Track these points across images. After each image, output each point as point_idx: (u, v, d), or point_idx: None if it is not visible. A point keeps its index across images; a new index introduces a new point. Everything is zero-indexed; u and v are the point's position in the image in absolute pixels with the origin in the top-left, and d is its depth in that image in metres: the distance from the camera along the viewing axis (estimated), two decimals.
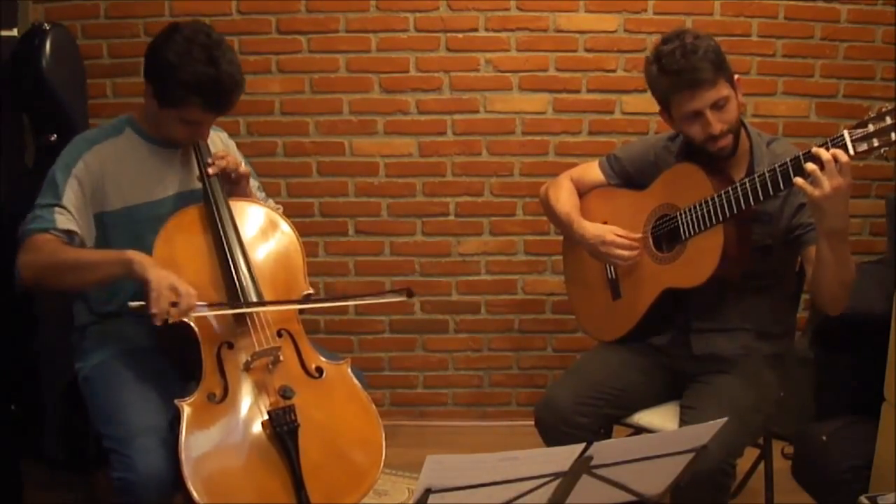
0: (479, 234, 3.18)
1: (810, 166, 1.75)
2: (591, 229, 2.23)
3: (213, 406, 1.84)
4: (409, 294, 2.07)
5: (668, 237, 2.14)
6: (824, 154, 1.74)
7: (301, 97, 3.08)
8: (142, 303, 1.80)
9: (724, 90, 1.96)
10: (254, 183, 2.26)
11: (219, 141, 2.24)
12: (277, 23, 3.03)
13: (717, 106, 1.96)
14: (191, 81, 1.91)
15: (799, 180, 1.78)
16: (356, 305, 3.21)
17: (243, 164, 2.19)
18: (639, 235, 2.19)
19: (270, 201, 2.32)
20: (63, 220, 1.94)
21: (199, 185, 2.10)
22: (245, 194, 2.18)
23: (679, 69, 1.94)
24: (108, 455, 1.83)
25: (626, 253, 2.17)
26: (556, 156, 3.11)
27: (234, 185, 2.14)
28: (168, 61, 1.92)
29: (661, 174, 2.19)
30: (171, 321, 1.81)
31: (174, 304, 1.79)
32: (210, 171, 2.06)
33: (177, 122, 2.00)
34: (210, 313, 1.92)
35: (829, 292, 1.92)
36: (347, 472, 1.88)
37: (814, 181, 1.75)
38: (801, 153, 1.81)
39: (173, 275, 1.84)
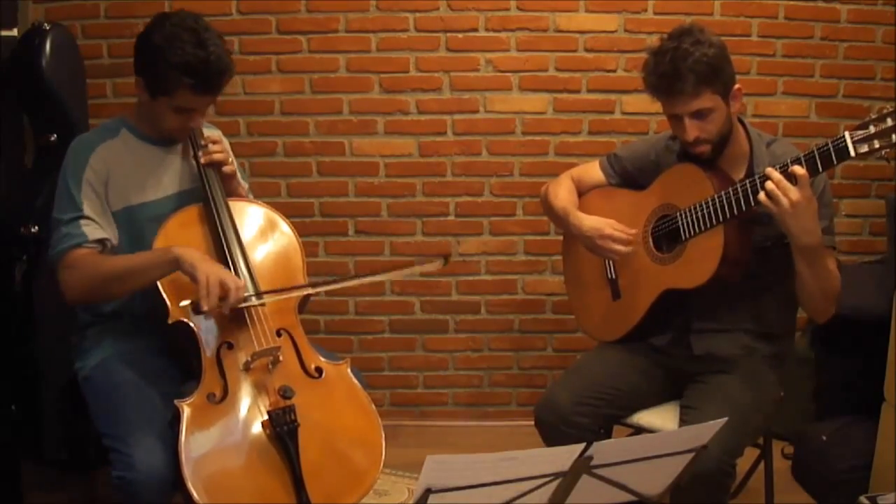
0: (479, 234, 3.18)
1: (769, 185, 1.81)
2: (589, 221, 2.23)
3: (212, 406, 1.84)
4: (446, 259, 2.07)
5: (669, 237, 2.14)
6: (775, 175, 1.80)
7: (301, 97, 3.08)
8: (191, 300, 1.85)
9: (706, 102, 1.94)
10: (244, 185, 2.27)
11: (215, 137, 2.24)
12: (277, 23, 3.03)
13: (698, 115, 1.96)
14: (180, 63, 1.92)
15: (763, 197, 1.83)
16: (356, 304, 3.21)
17: (231, 158, 2.18)
18: (635, 231, 2.19)
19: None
20: (92, 231, 1.96)
21: (197, 184, 2.11)
22: (233, 191, 2.18)
23: (662, 73, 1.95)
24: (108, 454, 1.84)
25: (622, 248, 2.17)
26: (556, 156, 3.12)
27: (224, 181, 2.15)
28: (157, 46, 1.93)
29: (662, 174, 2.19)
30: (225, 311, 1.87)
31: (223, 298, 1.83)
32: (203, 160, 2.07)
33: (169, 112, 2.00)
34: (271, 300, 1.96)
35: (811, 303, 1.99)
36: (347, 472, 1.88)
37: (773, 198, 1.80)
38: (788, 159, 1.83)
39: (221, 267, 1.88)
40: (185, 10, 2.06)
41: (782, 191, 1.79)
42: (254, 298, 1.96)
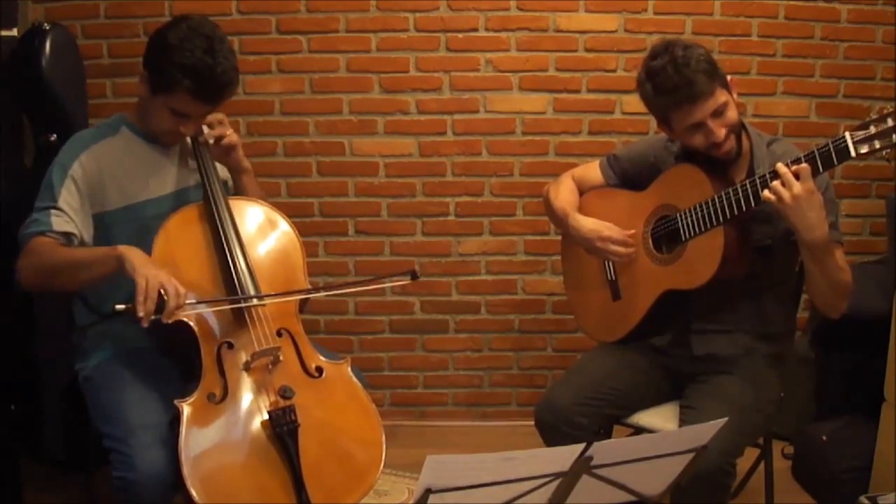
0: (479, 234, 3.18)
1: (774, 180, 1.81)
2: (588, 224, 2.23)
3: (212, 406, 1.84)
4: (414, 276, 2.06)
5: (668, 238, 2.14)
6: (781, 169, 1.80)
7: (301, 97, 3.08)
8: (127, 305, 1.77)
9: (721, 97, 1.95)
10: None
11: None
12: (277, 23, 3.03)
13: (717, 113, 1.96)
14: (186, 65, 1.92)
15: (766, 193, 1.83)
16: (356, 304, 3.21)
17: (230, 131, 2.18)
18: (632, 231, 2.19)
19: None
20: (59, 223, 1.94)
21: (197, 180, 2.11)
22: (238, 163, 2.19)
23: (675, 86, 1.93)
24: (109, 454, 1.84)
25: (622, 249, 2.17)
26: (556, 156, 3.11)
27: (226, 155, 2.16)
28: (168, 43, 1.94)
29: (661, 175, 2.19)
30: (163, 321, 1.78)
31: (162, 305, 1.76)
32: (208, 139, 2.08)
33: (165, 112, 2.00)
34: (204, 310, 1.91)
35: (822, 299, 1.98)
36: (347, 471, 1.88)
37: (775, 193, 1.80)
38: (797, 156, 1.82)
39: (163, 273, 1.80)
40: (205, 17, 2.06)
41: (785, 184, 1.79)
42: (247, 301, 1.94)
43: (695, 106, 1.94)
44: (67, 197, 1.97)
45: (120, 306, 1.78)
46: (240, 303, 1.95)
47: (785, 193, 1.79)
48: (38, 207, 1.97)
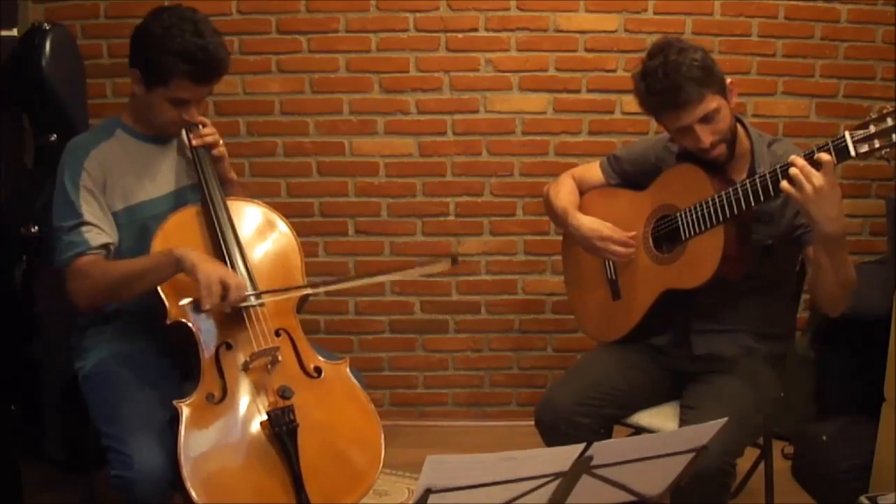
0: (479, 234, 3.18)
1: (793, 170, 1.76)
2: (588, 223, 2.23)
3: (212, 406, 1.84)
4: (454, 261, 2.07)
5: (669, 238, 2.14)
6: (799, 161, 1.76)
7: (301, 97, 3.08)
8: (192, 299, 1.86)
9: (711, 103, 1.94)
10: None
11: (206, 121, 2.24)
12: (277, 23, 3.03)
13: (706, 119, 1.95)
14: (179, 50, 1.92)
15: (785, 184, 1.79)
16: (356, 304, 3.21)
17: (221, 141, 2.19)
18: (634, 233, 2.18)
19: None
20: (95, 237, 1.96)
21: (195, 180, 2.12)
22: (224, 175, 2.19)
23: (662, 89, 1.93)
24: (107, 453, 1.84)
25: (622, 249, 2.17)
26: (556, 156, 3.11)
27: (214, 164, 2.16)
28: (156, 35, 1.94)
29: (662, 174, 2.19)
30: (226, 311, 1.88)
31: (224, 297, 1.84)
32: (194, 142, 2.09)
33: (165, 104, 2.01)
34: (270, 299, 1.98)
35: (827, 295, 1.94)
36: (347, 472, 1.89)
37: (796, 184, 1.76)
38: (796, 156, 1.81)
39: (222, 267, 1.89)
40: (179, 4, 2.06)
41: (805, 176, 1.74)
42: (253, 298, 1.96)
43: (681, 111, 1.94)
44: (89, 208, 1.98)
45: (185, 301, 1.87)
46: (304, 290, 2.03)
47: (806, 185, 1.74)
48: (63, 228, 1.96)
